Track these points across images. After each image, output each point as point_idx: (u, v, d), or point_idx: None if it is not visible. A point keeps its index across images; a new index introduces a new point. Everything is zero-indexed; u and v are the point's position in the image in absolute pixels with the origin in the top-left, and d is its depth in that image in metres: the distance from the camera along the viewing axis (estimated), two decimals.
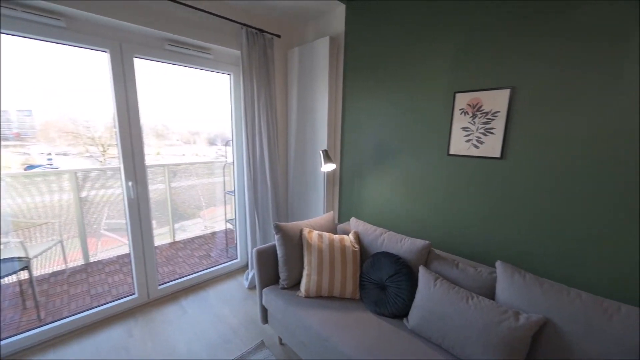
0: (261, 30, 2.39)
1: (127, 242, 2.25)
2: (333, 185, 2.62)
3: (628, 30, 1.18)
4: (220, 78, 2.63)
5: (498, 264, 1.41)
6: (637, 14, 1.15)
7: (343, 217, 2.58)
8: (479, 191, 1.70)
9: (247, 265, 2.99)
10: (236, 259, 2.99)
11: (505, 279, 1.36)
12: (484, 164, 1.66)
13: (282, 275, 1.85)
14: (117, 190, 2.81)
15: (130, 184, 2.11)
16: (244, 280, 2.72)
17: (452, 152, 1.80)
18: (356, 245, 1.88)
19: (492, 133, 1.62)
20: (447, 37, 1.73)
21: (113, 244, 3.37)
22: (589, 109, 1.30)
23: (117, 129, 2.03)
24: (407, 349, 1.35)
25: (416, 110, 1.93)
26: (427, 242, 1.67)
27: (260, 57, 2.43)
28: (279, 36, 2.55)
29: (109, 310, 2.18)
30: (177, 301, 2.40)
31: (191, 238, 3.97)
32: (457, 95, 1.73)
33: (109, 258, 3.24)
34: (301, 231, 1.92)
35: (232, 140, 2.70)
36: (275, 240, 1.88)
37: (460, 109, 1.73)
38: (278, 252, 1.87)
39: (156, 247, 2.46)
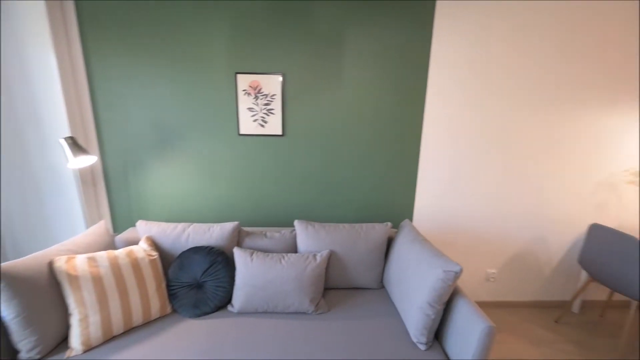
0: None
1: None
2: (94, 186, 1.89)
3: (343, 39, 1.73)
4: None
5: (295, 222, 1.71)
6: (350, 26, 1.71)
7: (122, 223, 1.96)
8: (270, 166, 1.91)
9: None
10: None
11: (302, 233, 1.67)
12: (271, 141, 1.87)
13: (27, 343, 1.14)
14: None
15: None
16: None
17: (242, 132, 1.86)
18: (153, 253, 1.52)
19: (273, 113, 1.84)
20: (220, 17, 1.67)
21: None
22: (330, 91, 1.81)
23: None
24: (237, 332, 1.33)
25: (201, 88, 1.77)
26: (235, 223, 1.67)
27: None
28: None
29: None
30: None
31: None
32: (239, 76, 1.77)
33: None
34: (51, 264, 1.25)
35: None
36: None
37: (243, 90, 1.80)
38: (4, 312, 1.11)
39: None
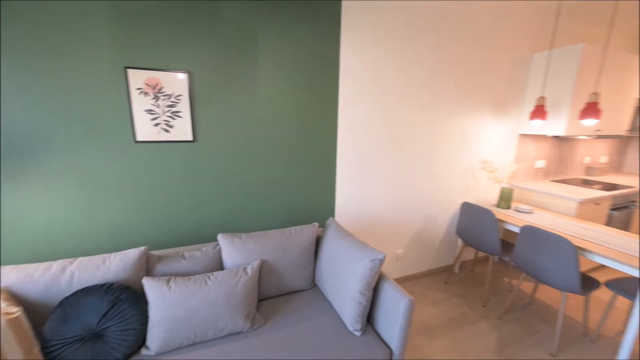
0: None
1: None
2: None
3: (256, 38, 1.67)
4: None
5: (219, 236, 1.55)
6: (261, 26, 1.65)
7: None
8: (181, 176, 1.67)
9: None
10: None
11: (227, 247, 1.54)
12: (180, 148, 1.64)
13: None
14: None
15: None
16: None
17: (140, 138, 1.56)
18: (13, 309, 1.11)
19: (179, 116, 1.61)
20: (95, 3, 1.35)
21: None
22: (246, 92, 1.72)
23: None
24: None
25: (73, 84, 1.38)
26: (142, 248, 1.39)
27: None
28: None
29: None
30: None
31: None
32: (130, 71, 1.47)
33: None
34: None
35: None
36: None
37: (138, 89, 1.50)
38: None
39: None
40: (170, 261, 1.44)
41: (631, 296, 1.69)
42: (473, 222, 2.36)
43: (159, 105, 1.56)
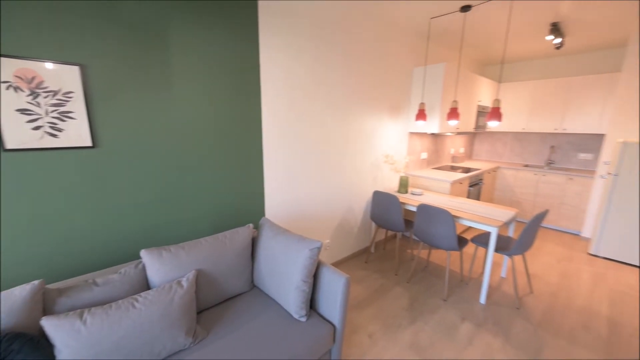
0: None
1: None
2: None
3: (169, 36, 1.53)
4: None
5: (142, 252, 1.38)
6: (174, 21, 1.52)
7: None
8: (80, 189, 1.39)
9: None
10: None
11: (154, 262, 1.38)
12: (74, 155, 1.36)
13: None
14: None
15: None
16: None
17: (11, 145, 1.22)
18: None
19: (71, 117, 1.34)
20: None
21: None
22: (162, 91, 1.55)
23: None
24: None
25: None
26: (34, 282, 1.11)
27: None
28: None
29: None
30: None
31: None
32: None
33: None
34: None
35: None
36: None
37: (5, 82, 1.18)
38: None
39: None
40: (78, 291, 1.20)
41: (486, 246, 2.39)
42: (382, 206, 2.80)
43: (40, 103, 1.26)
